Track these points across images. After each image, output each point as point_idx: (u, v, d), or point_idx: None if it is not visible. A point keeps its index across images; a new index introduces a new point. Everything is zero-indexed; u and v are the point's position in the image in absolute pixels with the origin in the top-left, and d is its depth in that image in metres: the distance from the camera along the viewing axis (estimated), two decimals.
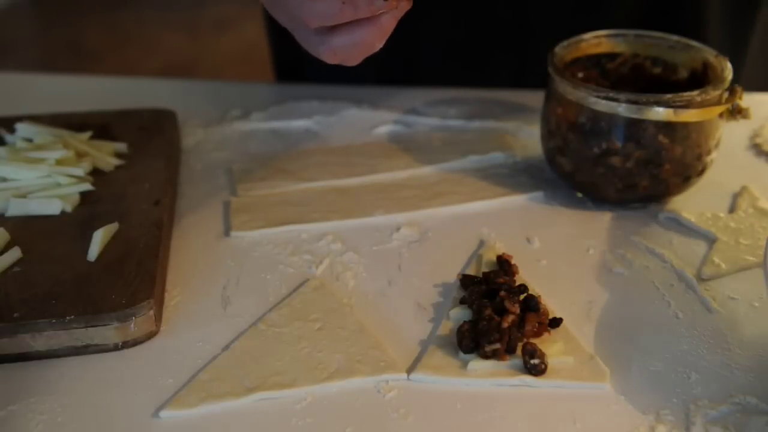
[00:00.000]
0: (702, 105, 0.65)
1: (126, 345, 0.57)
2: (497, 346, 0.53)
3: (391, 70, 0.91)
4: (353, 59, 0.56)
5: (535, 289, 0.59)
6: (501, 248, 0.66)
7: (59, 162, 0.71)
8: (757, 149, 0.79)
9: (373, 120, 0.84)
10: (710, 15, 0.88)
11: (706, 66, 0.71)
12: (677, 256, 0.65)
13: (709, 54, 0.70)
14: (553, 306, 0.59)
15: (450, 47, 0.89)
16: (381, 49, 0.56)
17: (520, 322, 0.55)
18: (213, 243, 0.68)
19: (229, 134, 0.83)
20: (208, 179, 0.76)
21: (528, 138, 0.81)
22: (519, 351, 0.54)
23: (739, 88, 0.68)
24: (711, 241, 0.66)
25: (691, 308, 0.60)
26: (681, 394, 0.52)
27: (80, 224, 0.65)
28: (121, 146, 0.76)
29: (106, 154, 0.74)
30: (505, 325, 0.54)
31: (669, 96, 0.65)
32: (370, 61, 0.57)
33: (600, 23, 0.76)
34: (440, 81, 0.90)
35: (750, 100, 0.70)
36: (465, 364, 0.54)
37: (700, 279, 0.62)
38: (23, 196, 0.68)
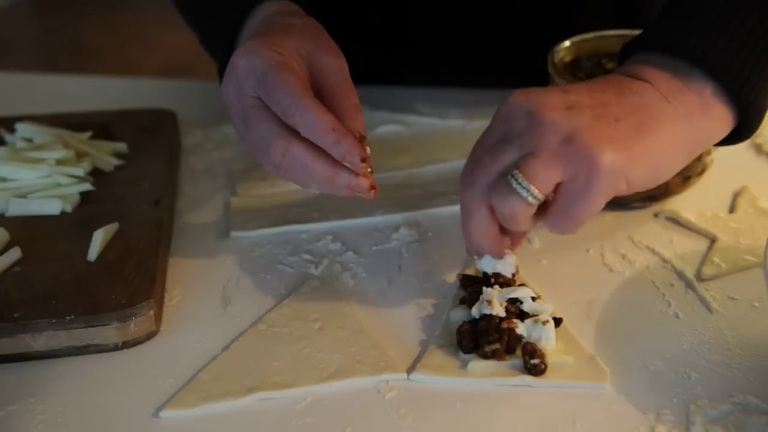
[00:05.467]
0: None
1: (126, 345, 0.57)
2: (497, 346, 0.53)
3: (390, 69, 0.90)
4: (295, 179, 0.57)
5: (535, 289, 0.59)
6: None
7: (59, 162, 0.71)
8: (757, 149, 0.79)
9: (373, 120, 0.84)
10: None
11: None
12: (677, 255, 0.65)
13: None
14: (553, 306, 0.59)
15: (449, 47, 0.89)
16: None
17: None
18: (213, 243, 0.68)
19: (229, 134, 0.83)
20: (208, 179, 0.76)
21: None
22: (519, 351, 0.54)
23: None
24: (711, 241, 0.66)
25: (691, 308, 0.60)
26: (681, 394, 0.52)
27: (80, 224, 0.65)
28: (121, 146, 0.76)
29: (106, 154, 0.74)
30: (505, 325, 0.54)
31: None
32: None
33: (599, 23, 0.76)
34: (440, 81, 0.90)
35: None
36: (465, 364, 0.54)
37: (700, 279, 0.62)
38: (23, 196, 0.68)
